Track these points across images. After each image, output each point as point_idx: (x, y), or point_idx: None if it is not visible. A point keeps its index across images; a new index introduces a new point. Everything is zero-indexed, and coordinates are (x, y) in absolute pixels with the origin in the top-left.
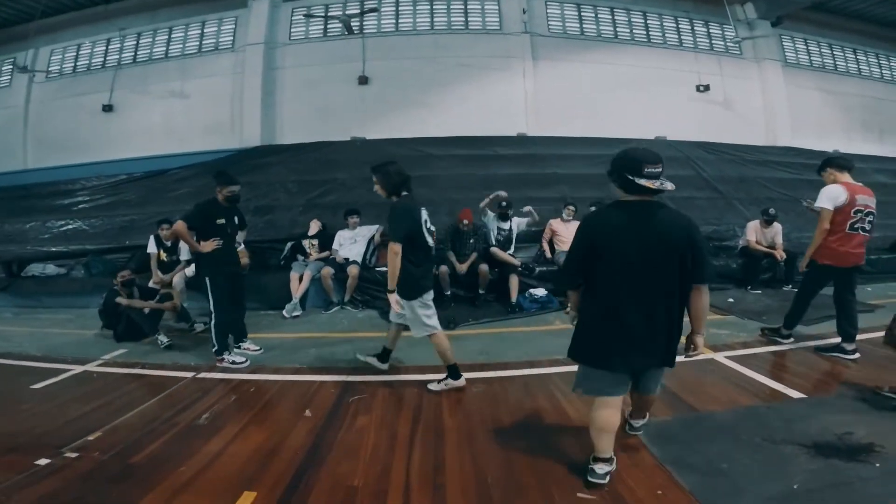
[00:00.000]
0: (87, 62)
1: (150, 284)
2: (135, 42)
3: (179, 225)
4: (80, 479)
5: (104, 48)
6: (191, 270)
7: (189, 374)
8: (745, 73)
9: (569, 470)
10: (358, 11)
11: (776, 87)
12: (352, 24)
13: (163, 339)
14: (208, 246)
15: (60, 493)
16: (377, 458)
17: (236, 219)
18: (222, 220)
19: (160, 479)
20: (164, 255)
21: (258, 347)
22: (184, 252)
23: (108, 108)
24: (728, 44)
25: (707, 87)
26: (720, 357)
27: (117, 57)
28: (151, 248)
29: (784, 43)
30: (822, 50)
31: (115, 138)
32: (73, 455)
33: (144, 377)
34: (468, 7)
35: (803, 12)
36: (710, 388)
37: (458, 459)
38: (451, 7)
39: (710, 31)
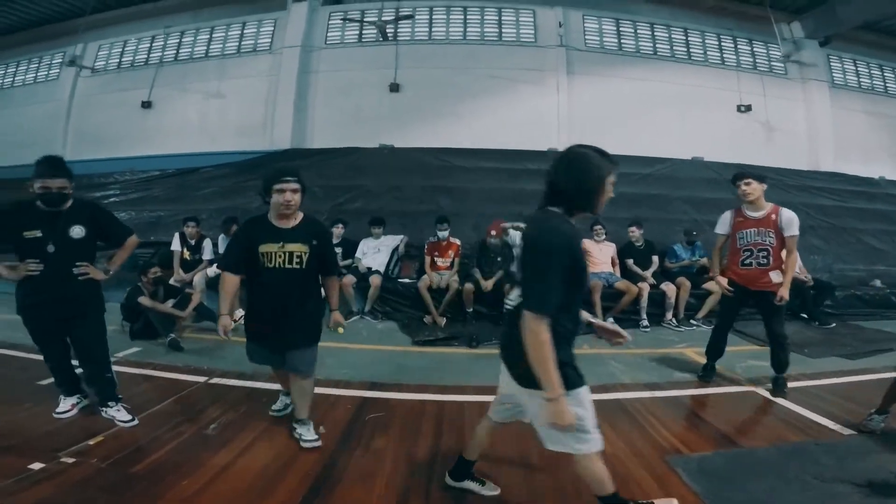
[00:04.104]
0: (132, 58)
1: (171, 282)
2: (177, 40)
3: None
4: (73, 488)
5: (148, 45)
6: (212, 270)
7: (201, 379)
8: (790, 94)
9: None
10: (393, 18)
11: (822, 109)
12: (387, 30)
13: (177, 340)
14: (14, 273)
15: (49, 501)
16: (394, 483)
17: (78, 230)
18: (36, 233)
19: (160, 492)
20: (187, 254)
21: (129, 418)
22: (206, 252)
23: (146, 105)
24: (773, 63)
25: (748, 108)
26: (762, 391)
27: (160, 54)
28: (175, 245)
29: (832, 63)
30: (872, 71)
31: (151, 134)
32: (70, 460)
33: (155, 379)
34: (502, 18)
35: (853, 32)
36: (753, 423)
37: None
38: (485, 18)
39: (755, 49)
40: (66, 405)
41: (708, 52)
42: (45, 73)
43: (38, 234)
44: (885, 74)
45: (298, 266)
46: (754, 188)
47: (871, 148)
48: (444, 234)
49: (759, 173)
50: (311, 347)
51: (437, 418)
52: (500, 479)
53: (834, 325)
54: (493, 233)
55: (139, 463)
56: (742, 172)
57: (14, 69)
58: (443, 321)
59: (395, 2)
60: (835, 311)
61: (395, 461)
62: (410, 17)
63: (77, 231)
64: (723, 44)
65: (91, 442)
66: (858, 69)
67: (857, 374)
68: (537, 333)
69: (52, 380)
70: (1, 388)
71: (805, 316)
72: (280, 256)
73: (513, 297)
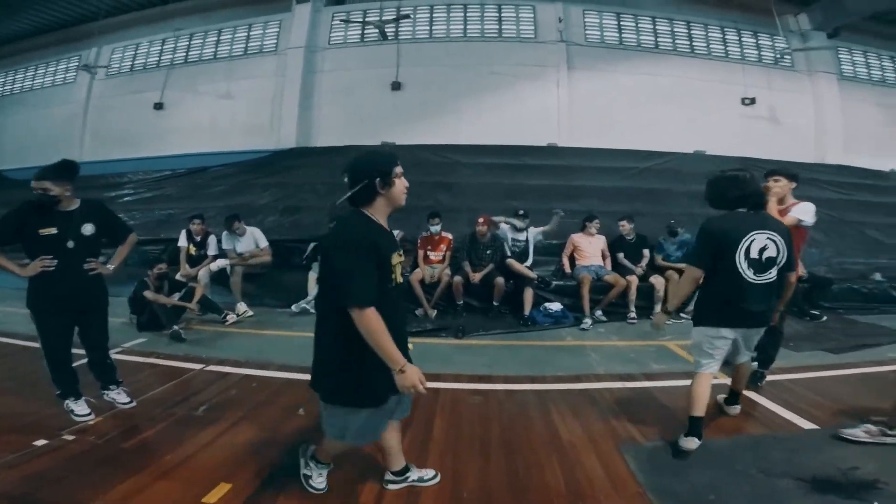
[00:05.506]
0: (144, 61)
1: (178, 277)
2: (187, 42)
3: None
4: (69, 461)
5: (159, 48)
6: (216, 265)
7: (198, 366)
8: (796, 87)
9: (546, 492)
10: (393, 17)
11: (830, 101)
12: (386, 30)
13: (179, 332)
14: (29, 270)
15: (46, 472)
16: (358, 460)
17: (89, 228)
18: (51, 231)
19: (144, 464)
20: (192, 250)
21: (128, 400)
22: (211, 247)
23: (158, 106)
24: (778, 56)
25: (753, 101)
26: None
27: (171, 57)
28: (182, 241)
29: (841, 55)
30: (884, 63)
31: (163, 135)
32: (70, 437)
33: (157, 366)
34: (502, 15)
35: (863, 23)
36: (718, 416)
37: (437, 470)
38: (485, 15)
39: (759, 42)
40: (85, 407)
41: (711, 46)
42: (63, 76)
43: (54, 231)
44: None
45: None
46: (782, 185)
47: (882, 140)
48: (436, 228)
49: (791, 171)
50: None
51: (412, 403)
52: (459, 467)
53: (826, 318)
54: (481, 220)
55: (131, 440)
56: (774, 170)
57: (32, 73)
58: (434, 313)
59: (396, 1)
60: (831, 304)
61: None
62: (407, 16)
63: (88, 229)
64: (727, 36)
65: (91, 422)
66: (869, 61)
67: (837, 368)
68: None
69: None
70: (21, 376)
71: (796, 309)
72: (400, 268)
73: (770, 275)
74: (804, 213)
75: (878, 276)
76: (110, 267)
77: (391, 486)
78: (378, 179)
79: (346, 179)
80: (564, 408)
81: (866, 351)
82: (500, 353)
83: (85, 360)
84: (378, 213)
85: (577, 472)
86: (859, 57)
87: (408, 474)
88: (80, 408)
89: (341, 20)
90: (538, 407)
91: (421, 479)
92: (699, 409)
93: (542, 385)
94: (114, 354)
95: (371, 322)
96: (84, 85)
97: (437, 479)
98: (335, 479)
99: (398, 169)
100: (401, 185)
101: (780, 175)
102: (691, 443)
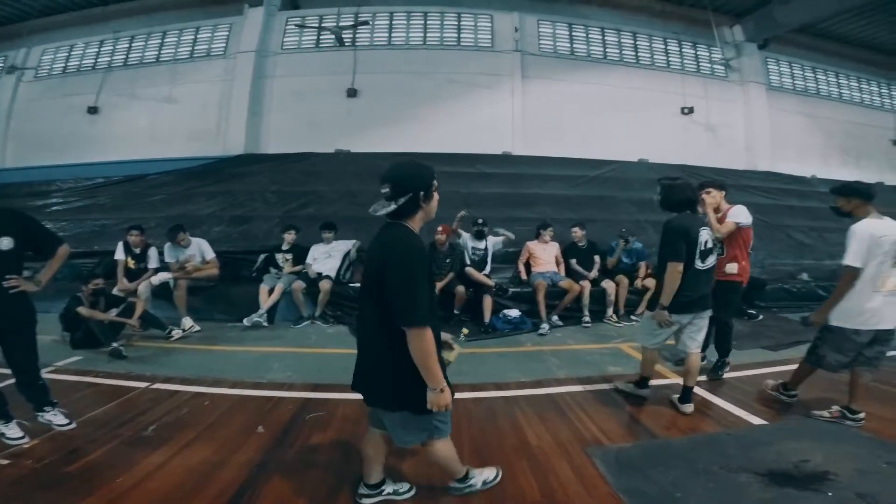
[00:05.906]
0: (78, 63)
1: (115, 291)
2: (127, 45)
3: None
4: (9, 486)
5: (96, 49)
6: (157, 279)
7: (143, 385)
8: (730, 96)
9: (523, 498)
10: (351, 24)
11: (759, 110)
12: (343, 36)
13: (119, 349)
14: None
15: None
16: (327, 477)
17: (5, 242)
18: None
19: (93, 488)
20: (131, 263)
21: (66, 421)
22: (152, 260)
23: (93, 110)
24: (714, 66)
25: (691, 110)
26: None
27: (108, 59)
28: (119, 254)
29: (769, 66)
30: (806, 73)
31: (97, 141)
32: (5, 462)
33: (96, 385)
34: (461, 23)
35: (790, 35)
36: (674, 415)
37: (412, 482)
38: (445, 23)
39: (698, 52)
40: (17, 430)
41: (655, 56)
42: None
43: None
44: (818, 77)
45: None
46: (713, 196)
47: (805, 147)
48: None
49: (718, 181)
50: None
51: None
52: (434, 479)
53: (762, 317)
54: (440, 229)
55: (74, 463)
56: (703, 183)
57: None
58: None
59: (354, 7)
60: (766, 304)
61: (329, 456)
62: (366, 23)
63: (5, 243)
64: (668, 47)
65: (26, 445)
66: (794, 72)
67: (777, 364)
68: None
69: None
70: None
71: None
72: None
73: (710, 261)
74: (738, 215)
75: (804, 276)
76: (41, 279)
77: (366, 501)
78: (422, 193)
79: (385, 190)
80: (530, 413)
81: (800, 347)
82: (463, 361)
83: (13, 381)
84: (416, 226)
85: (549, 477)
86: (785, 68)
87: (383, 487)
88: (11, 431)
89: (296, 25)
90: (505, 414)
91: (396, 493)
92: (650, 371)
93: (507, 392)
94: (46, 374)
95: (428, 343)
96: (8, 86)
97: (413, 491)
98: (307, 492)
99: (436, 182)
100: (436, 198)
101: (710, 187)
102: (646, 392)
